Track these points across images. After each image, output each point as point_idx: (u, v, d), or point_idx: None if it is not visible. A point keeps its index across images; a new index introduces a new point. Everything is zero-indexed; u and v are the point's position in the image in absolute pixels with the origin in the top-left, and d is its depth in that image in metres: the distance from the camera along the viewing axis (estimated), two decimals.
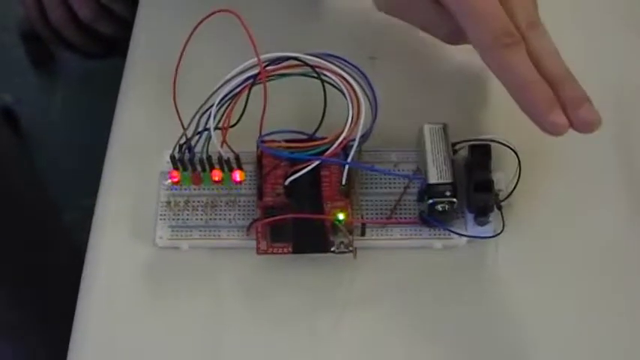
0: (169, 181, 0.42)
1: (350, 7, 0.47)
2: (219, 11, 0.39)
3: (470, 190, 0.40)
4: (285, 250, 0.40)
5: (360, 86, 0.40)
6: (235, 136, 0.40)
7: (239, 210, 0.41)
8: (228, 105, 0.40)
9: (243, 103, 0.40)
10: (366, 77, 0.40)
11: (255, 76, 0.40)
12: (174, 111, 0.40)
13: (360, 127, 0.40)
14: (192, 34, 0.39)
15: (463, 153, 0.41)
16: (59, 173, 0.93)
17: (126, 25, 0.65)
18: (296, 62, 0.40)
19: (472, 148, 0.41)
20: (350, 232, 0.40)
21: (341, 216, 0.40)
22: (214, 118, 0.40)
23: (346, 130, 0.40)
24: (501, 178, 0.41)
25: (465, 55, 0.43)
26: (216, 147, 0.40)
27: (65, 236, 0.74)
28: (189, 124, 0.40)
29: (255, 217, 0.41)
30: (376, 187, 0.42)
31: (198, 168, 0.41)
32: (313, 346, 0.39)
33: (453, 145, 0.41)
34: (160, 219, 0.42)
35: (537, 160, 0.43)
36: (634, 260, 0.41)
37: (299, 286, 0.40)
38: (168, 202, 0.42)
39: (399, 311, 0.40)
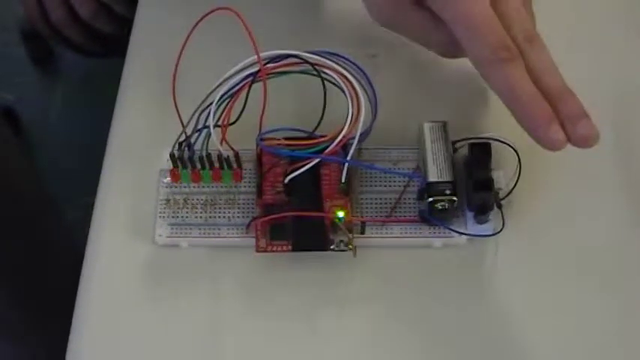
0: (169, 178, 0.42)
1: (350, 4, 0.47)
2: (218, 9, 0.39)
3: (470, 188, 0.40)
4: (285, 248, 0.40)
5: (360, 84, 0.40)
6: (235, 134, 0.40)
7: (238, 208, 0.41)
8: (228, 103, 0.40)
9: (243, 100, 0.40)
10: (365, 75, 0.40)
11: (254, 74, 0.39)
12: (173, 109, 0.40)
13: (360, 125, 0.40)
14: (191, 31, 0.39)
15: (463, 151, 0.41)
16: (60, 172, 0.93)
17: (126, 24, 0.65)
18: (296, 60, 0.40)
19: (472, 146, 0.41)
20: (349, 230, 0.40)
21: (341, 214, 0.40)
22: (214, 115, 0.40)
23: (346, 128, 0.39)
24: (501, 176, 0.41)
25: None
26: (215, 145, 0.40)
27: (66, 236, 0.74)
28: (189, 122, 0.40)
29: (254, 215, 0.41)
30: (376, 185, 0.42)
31: (198, 166, 0.41)
32: (312, 344, 0.39)
33: (453, 143, 0.41)
34: (160, 217, 0.41)
35: (537, 159, 0.43)
36: (634, 258, 0.41)
37: (298, 284, 0.40)
38: (168, 200, 0.42)
39: (398, 309, 0.40)
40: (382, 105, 0.41)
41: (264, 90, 0.39)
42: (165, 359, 0.39)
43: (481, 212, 0.40)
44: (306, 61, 0.40)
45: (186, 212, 0.41)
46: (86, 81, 1.04)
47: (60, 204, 0.81)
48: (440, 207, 0.40)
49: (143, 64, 0.48)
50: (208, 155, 0.41)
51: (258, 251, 0.40)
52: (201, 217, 0.41)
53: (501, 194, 0.41)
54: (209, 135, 0.40)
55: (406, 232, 0.41)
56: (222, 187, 0.42)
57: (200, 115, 0.40)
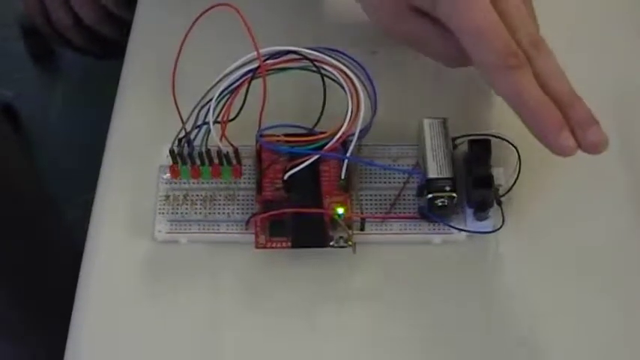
0: (168, 175, 0.42)
1: (351, 0, 0.47)
2: (218, 5, 0.39)
3: (469, 185, 0.40)
4: (284, 244, 0.40)
5: (360, 80, 0.40)
6: (234, 130, 0.40)
7: (238, 204, 0.41)
8: (228, 99, 0.40)
9: (243, 97, 0.40)
10: (365, 71, 0.40)
11: (254, 70, 0.39)
12: (173, 105, 0.40)
13: (360, 121, 0.40)
14: (191, 27, 0.39)
15: (463, 148, 0.41)
16: (59, 170, 0.93)
17: (129, 30, 0.65)
18: (295, 56, 0.40)
19: (472, 143, 0.41)
20: (349, 226, 0.40)
21: (340, 210, 0.40)
22: (213, 112, 0.40)
23: (345, 124, 0.39)
24: (501, 173, 0.41)
25: None
26: (215, 141, 0.40)
27: (66, 235, 0.74)
28: (189, 118, 0.40)
29: (254, 212, 0.41)
30: (375, 182, 0.42)
31: (197, 162, 0.41)
32: (312, 340, 0.39)
33: (453, 139, 0.41)
34: (159, 213, 0.41)
35: (537, 156, 0.43)
36: (634, 255, 0.41)
37: (298, 281, 0.40)
38: (167, 196, 0.42)
39: (398, 306, 0.40)
40: (382, 101, 0.41)
41: (264, 86, 0.39)
42: (164, 355, 0.39)
43: (481, 209, 0.40)
44: (306, 58, 0.40)
45: (186, 208, 0.41)
46: (86, 78, 1.04)
47: (59, 203, 0.81)
48: (439, 203, 0.40)
49: (143, 60, 0.48)
50: (208, 151, 0.41)
51: (257, 247, 0.40)
52: (200, 213, 0.41)
53: (501, 191, 0.41)
54: (209, 131, 0.40)
55: (406, 229, 0.41)
56: (221, 183, 0.42)
57: (200, 111, 0.40)
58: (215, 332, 0.40)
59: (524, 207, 0.42)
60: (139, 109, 0.46)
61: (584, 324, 0.40)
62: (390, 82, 0.44)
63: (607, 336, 0.39)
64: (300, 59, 0.40)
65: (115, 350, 0.40)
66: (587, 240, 0.42)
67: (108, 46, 0.73)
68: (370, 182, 0.42)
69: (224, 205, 0.41)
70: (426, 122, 0.41)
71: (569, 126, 0.37)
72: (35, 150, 1.01)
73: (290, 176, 0.40)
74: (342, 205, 0.40)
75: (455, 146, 0.41)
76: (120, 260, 0.41)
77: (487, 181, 0.40)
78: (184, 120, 0.40)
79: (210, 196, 0.41)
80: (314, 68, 0.40)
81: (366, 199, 0.41)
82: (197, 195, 0.42)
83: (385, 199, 0.41)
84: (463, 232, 0.41)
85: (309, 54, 0.40)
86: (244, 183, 0.42)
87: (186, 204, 0.41)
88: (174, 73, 0.39)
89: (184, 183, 0.42)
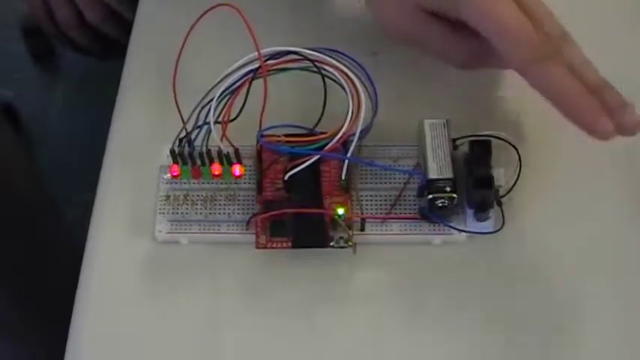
0: (169, 175, 0.42)
1: (352, 1, 0.47)
2: (219, 5, 0.39)
3: (470, 185, 0.40)
4: (285, 244, 0.40)
5: (361, 81, 0.40)
6: (235, 131, 0.40)
7: (238, 204, 0.41)
8: (228, 99, 0.40)
9: (243, 97, 0.40)
10: (366, 72, 0.40)
11: (255, 71, 0.40)
12: (174, 105, 0.40)
13: (360, 121, 0.40)
14: (192, 27, 0.39)
15: (463, 149, 0.41)
16: (59, 170, 0.93)
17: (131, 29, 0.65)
18: (296, 57, 0.40)
19: (472, 143, 0.41)
20: (349, 227, 0.40)
21: (340, 211, 0.40)
22: (214, 112, 0.40)
23: (346, 124, 0.40)
24: (501, 174, 0.41)
25: None
26: (215, 141, 0.40)
27: (66, 235, 0.74)
28: (189, 118, 0.40)
29: (254, 212, 0.41)
30: (376, 182, 0.42)
31: (198, 162, 0.41)
32: (312, 341, 0.39)
33: (454, 140, 0.41)
34: (160, 213, 0.41)
35: (537, 157, 0.43)
36: (634, 256, 0.41)
37: (298, 281, 0.40)
38: (168, 197, 0.42)
39: (398, 306, 0.40)
40: (382, 102, 0.41)
41: (265, 86, 0.39)
42: (164, 355, 0.39)
43: (481, 210, 0.40)
44: (307, 58, 0.40)
45: (186, 208, 0.41)
46: (86, 79, 1.04)
47: (60, 202, 0.81)
48: (440, 204, 0.40)
49: (144, 60, 0.48)
50: (208, 151, 0.41)
51: (257, 248, 0.40)
52: (201, 213, 0.41)
53: (501, 192, 0.41)
54: (209, 131, 0.40)
55: (406, 229, 0.41)
56: (222, 183, 0.42)
57: (200, 111, 0.40)
58: (215, 332, 0.40)
59: (525, 208, 0.42)
60: (139, 109, 0.46)
61: (584, 324, 0.40)
62: (390, 83, 0.44)
63: (607, 336, 0.39)
64: (300, 60, 0.40)
65: (115, 350, 0.40)
66: (588, 241, 0.42)
67: (110, 46, 0.73)
68: (370, 183, 0.42)
69: (224, 205, 0.41)
70: (427, 123, 0.41)
71: (606, 111, 0.38)
72: (35, 150, 1.01)
73: (290, 176, 0.40)
74: (342, 205, 0.40)
75: (455, 147, 0.41)
76: (120, 260, 0.41)
77: (487, 182, 0.40)
78: (185, 120, 0.40)
79: (211, 196, 0.42)
80: (315, 69, 0.40)
81: (367, 200, 0.41)
82: (197, 195, 0.42)
83: (385, 200, 0.41)
84: (463, 233, 0.41)
85: (310, 54, 0.40)
86: (245, 183, 0.42)
87: (187, 204, 0.41)
88: (175, 73, 0.39)
89: (185, 183, 0.42)
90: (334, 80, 0.40)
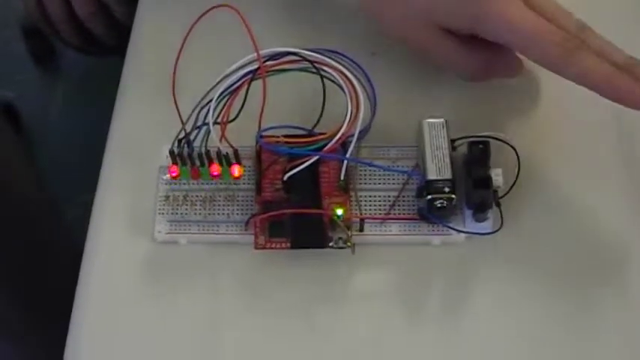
0: (168, 175, 0.42)
1: (351, 2, 0.47)
2: (218, 6, 0.39)
3: (468, 186, 0.40)
4: (284, 245, 0.40)
5: (360, 82, 0.40)
6: (234, 131, 0.40)
7: (237, 205, 0.41)
8: (227, 100, 0.40)
9: (242, 98, 0.40)
10: (365, 73, 0.40)
11: (254, 71, 0.40)
12: (173, 106, 0.40)
13: (359, 122, 0.40)
14: (191, 28, 0.39)
15: (462, 149, 0.41)
16: (60, 170, 0.93)
17: (123, 30, 0.65)
18: (295, 57, 0.40)
19: (471, 144, 0.41)
20: (348, 227, 0.40)
21: (339, 211, 0.40)
22: (213, 112, 0.40)
23: (345, 125, 0.40)
24: (500, 174, 0.41)
25: None
26: (215, 142, 0.40)
27: (66, 235, 0.74)
28: (188, 119, 0.40)
29: (253, 212, 0.41)
30: (375, 183, 0.42)
31: (197, 163, 0.41)
32: (311, 341, 0.39)
33: (452, 141, 0.41)
34: (159, 213, 0.42)
35: (536, 157, 0.43)
36: (634, 257, 0.41)
37: (297, 281, 0.40)
38: (167, 197, 0.42)
39: (396, 307, 0.40)
40: (381, 103, 0.41)
41: (264, 87, 0.39)
42: (164, 355, 0.39)
43: (480, 210, 0.40)
44: (306, 59, 0.40)
45: (186, 209, 0.41)
46: (87, 79, 1.04)
47: (60, 202, 0.81)
48: (439, 205, 0.40)
49: (143, 61, 0.48)
50: (208, 152, 0.41)
51: (256, 248, 0.40)
52: (200, 213, 0.41)
53: (500, 192, 0.41)
54: (208, 132, 0.40)
55: (405, 230, 0.41)
56: (221, 184, 0.42)
57: (200, 112, 0.40)
58: (214, 333, 0.40)
59: (523, 208, 0.42)
60: (139, 109, 0.46)
61: (583, 324, 0.40)
62: (389, 84, 0.44)
63: (607, 336, 0.39)
64: (299, 61, 0.40)
65: (115, 350, 0.40)
66: (587, 241, 0.42)
67: (99, 43, 0.73)
68: (369, 183, 0.42)
69: (224, 205, 0.41)
70: (426, 123, 0.41)
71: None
72: (36, 150, 1.01)
73: (289, 177, 0.40)
74: (341, 206, 0.40)
75: (454, 148, 0.41)
76: (120, 260, 0.41)
77: (486, 183, 0.40)
78: (184, 121, 0.40)
79: (210, 196, 0.42)
80: (314, 70, 0.40)
81: (366, 200, 0.41)
82: (197, 196, 0.42)
83: (384, 200, 0.41)
84: (462, 234, 0.41)
85: (309, 55, 0.40)
86: (244, 184, 0.42)
87: (186, 204, 0.41)
88: (174, 73, 0.39)
89: (184, 184, 0.42)
90: (333, 81, 0.40)
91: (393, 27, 0.44)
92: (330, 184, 0.41)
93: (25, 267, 0.65)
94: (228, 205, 0.41)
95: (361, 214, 0.41)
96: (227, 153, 0.41)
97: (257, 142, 0.41)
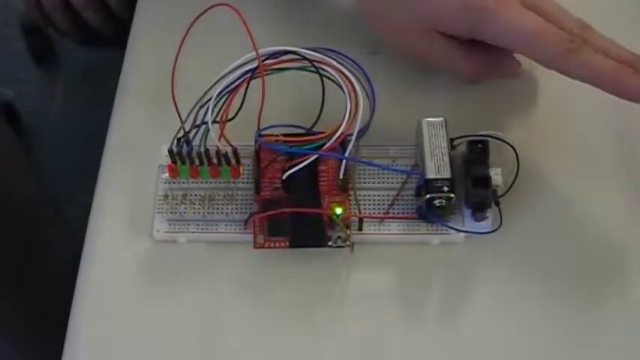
0: (167, 174, 0.42)
1: (349, 1, 0.47)
2: (216, 5, 0.39)
3: (468, 185, 0.40)
4: (283, 244, 0.40)
5: (359, 81, 0.40)
6: (233, 130, 0.40)
7: (236, 204, 0.41)
8: (227, 99, 0.40)
9: (242, 97, 0.40)
10: (364, 72, 0.40)
11: (253, 70, 0.40)
12: (172, 104, 0.40)
13: (358, 121, 0.40)
14: (190, 28, 0.39)
15: (461, 149, 0.41)
16: (60, 170, 0.93)
17: (117, 21, 0.65)
18: (294, 56, 0.40)
19: (470, 143, 0.41)
20: (347, 226, 0.40)
21: (338, 210, 0.40)
22: (212, 111, 0.40)
23: (344, 124, 0.40)
24: (499, 173, 0.41)
25: None
26: (214, 141, 0.40)
27: (66, 235, 0.74)
28: (187, 118, 0.40)
29: (252, 211, 0.41)
30: (374, 182, 0.42)
31: (196, 161, 0.41)
32: (309, 340, 0.39)
33: (452, 140, 0.41)
34: (158, 212, 0.42)
35: (535, 157, 0.43)
36: (633, 257, 0.41)
37: (296, 280, 0.40)
38: (166, 196, 0.42)
39: (395, 306, 0.40)
40: (380, 102, 0.41)
41: (263, 86, 0.39)
42: (162, 353, 0.39)
43: (479, 209, 0.40)
44: (305, 58, 0.40)
45: (185, 208, 0.41)
46: (86, 77, 1.04)
47: (60, 202, 0.81)
48: (437, 204, 0.40)
49: (142, 59, 0.48)
50: (207, 151, 0.41)
51: (255, 247, 0.40)
52: (199, 212, 0.41)
53: (499, 192, 0.41)
54: (207, 131, 0.40)
55: (404, 229, 0.41)
56: (220, 182, 0.42)
57: (199, 110, 0.40)
58: (213, 331, 0.40)
59: (522, 208, 0.42)
60: (138, 108, 0.46)
61: (582, 324, 0.40)
62: (388, 83, 0.44)
63: (607, 335, 0.39)
64: (299, 59, 0.40)
65: (114, 349, 0.40)
66: (586, 241, 0.42)
67: (95, 33, 0.73)
68: (369, 182, 0.42)
69: (223, 204, 0.41)
70: (425, 123, 0.41)
71: None
72: (36, 150, 1.01)
73: (288, 176, 0.40)
74: (340, 204, 0.40)
75: (453, 147, 0.41)
76: (118, 259, 0.41)
77: (485, 182, 0.40)
78: (183, 119, 0.40)
79: (209, 195, 0.42)
80: (313, 68, 0.40)
81: (365, 199, 0.41)
82: (196, 194, 0.42)
83: (383, 199, 0.41)
84: (461, 233, 0.41)
85: (308, 54, 0.40)
86: (243, 183, 0.42)
87: (185, 203, 0.41)
88: (173, 72, 0.39)
89: (183, 182, 0.42)
90: (332, 80, 0.40)
91: (393, 33, 0.45)
92: (329, 183, 0.41)
93: (24, 267, 0.65)
94: (227, 204, 0.41)
95: (360, 213, 0.41)
96: (226, 152, 0.41)
97: (256, 141, 0.41)
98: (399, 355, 0.39)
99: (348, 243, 0.40)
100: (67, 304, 0.41)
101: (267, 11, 0.48)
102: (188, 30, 0.39)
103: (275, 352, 0.39)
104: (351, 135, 0.40)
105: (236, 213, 0.41)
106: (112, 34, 0.69)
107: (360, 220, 0.41)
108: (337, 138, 0.40)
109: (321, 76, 0.40)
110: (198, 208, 0.41)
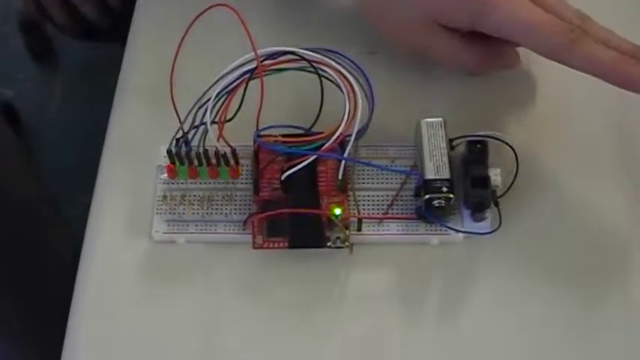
0: (166, 175, 0.42)
1: (348, 1, 0.47)
2: (216, 5, 0.39)
3: (467, 186, 0.40)
4: (282, 244, 0.40)
5: (358, 81, 0.40)
6: (232, 131, 0.40)
7: (235, 204, 0.41)
8: (225, 99, 0.40)
9: (240, 97, 0.40)
10: (363, 72, 0.40)
11: (252, 71, 0.40)
12: (171, 105, 0.40)
13: (357, 122, 0.40)
14: (188, 28, 0.39)
15: (460, 149, 0.41)
16: (60, 169, 0.93)
17: (115, 16, 0.65)
18: (293, 57, 0.40)
19: (469, 144, 0.41)
20: (346, 227, 0.40)
21: (337, 211, 0.40)
22: (211, 112, 0.40)
23: (343, 125, 0.39)
24: (498, 174, 0.41)
25: None
26: (212, 141, 0.40)
27: (66, 235, 0.74)
28: (186, 118, 0.40)
29: (251, 212, 0.41)
30: (373, 183, 0.42)
31: (195, 162, 0.41)
32: (309, 340, 0.39)
33: (451, 140, 0.41)
34: (157, 213, 0.41)
35: (535, 157, 0.43)
36: (633, 256, 0.41)
37: (295, 281, 0.40)
38: (165, 197, 0.42)
39: (394, 306, 0.40)
40: (379, 102, 0.41)
41: (262, 87, 0.39)
42: (161, 354, 0.39)
43: (478, 210, 0.40)
44: (304, 58, 0.40)
45: (183, 208, 0.41)
46: (85, 75, 1.04)
47: (60, 202, 0.81)
48: (437, 204, 0.40)
49: (141, 60, 0.48)
50: (205, 151, 0.41)
51: (254, 248, 0.40)
52: (198, 213, 0.41)
53: (498, 192, 0.41)
54: (206, 131, 0.40)
55: (403, 230, 0.41)
56: (219, 183, 0.42)
57: (197, 111, 0.40)
58: (213, 332, 0.40)
59: (522, 208, 0.42)
60: (137, 107, 0.46)
61: (582, 324, 0.40)
62: (387, 83, 0.44)
63: (606, 338, 0.39)
64: (297, 60, 0.40)
65: (113, 350, 0.40)
66: (586, 241, 0.42)
67: (88, 28, 0.73)
68: (368, 183, 0.42)
69: (221, 205, 0.41)
70: (424, 123, 0.41)
71: None
72: (35, 149, 1.01)
73: (287, 176, 0.40)
74: (339, 205, 0.40)
75: (452, 147, 0.41)
76: (117, 260, 0.41)
77: (484, 182, 0.40)
78: (182, 120, 0.40)
79: (208, 196, 0.41)
80: (312, 69, 0.40)
81: (364, 200, 0.41)
82: (194, 195, 0.42)
83: (382, 200, 0.41)
84: (460, 233, 0.41)
85: (307, 55, 0.40)
86: (242, 183, 0.42)
87: (184, 204, 0.41)
88: (172, 73, 0.39)
89: (182, 183, 0.42)
90: (331, 80, 0.40)
91: (393, 30, 0.45)
92: (328, 184, 0.41)
93: (24, 267, 0.65)
94: (226, 205, 0.41)
95: (359, 213, 0.41)
96: (225, 152, 0.41)
97: (255, 142, 0.41)
98: (399, 355, 0.39)
99: (347, 243, 0.40)
100: (67, 304, 0.41)
101: (267, 11, 0.48)
102: (187, 30, 0.39)
103: (274, 352, 0.39)
104: (350, 135, 0.40)
105: (235, 213, 0.41)
106: (109, 27, 0.69)
107: (359, 221, 0.41)
108: (336, 138, 0.39)
109: (320, 76, 0.40)
110: (197, 209, 0.41)
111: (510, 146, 0.41)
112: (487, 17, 0.41)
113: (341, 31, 0.47)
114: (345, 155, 0.40)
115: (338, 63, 0.40)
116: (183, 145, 0.41)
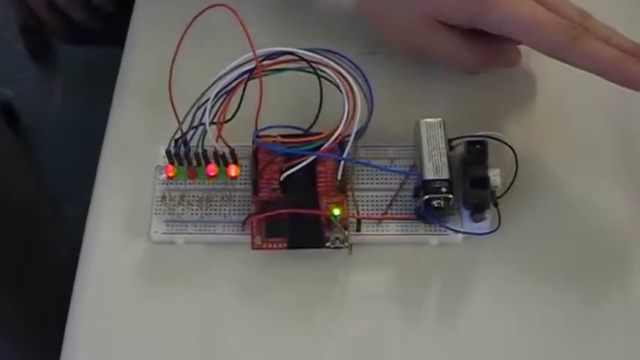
0: (164, 175, 0.42)
1: (347, 1, 0.47)
2: (215, 6, 0.39)
3: (466, 186, 0.40)
4: (281, 245, 0.40)
5: (357, 81, 0.40)
6: (231, 131, 0.40)
7: (234, 205, 0.41)
8: (224, 100, 0.40)
9: (239, 97, 0.40)
10: (362, 72, 0.40)
11: (251, 71, 0.40)
12: (169, 105, 0.40)
13: (356, 122, 0.40)
14: (187, 28, 0.39)
15: (460, 149, 0.41)
16: (59, 169, 0.93)
17: (101, 13, 0.65)
18: (292, 57, 0.40)
19: (468, 144, 0.41)
20: (345, 227, 0.40)
21: (336, 211, 0.40)
22: (210, 112, 0.40)
23: (342, 125, 0.39)
24: (498, 174, 0.41)
25: None
26: (211, 142, 0.40)
27: (66, 235, 0.74)
28: (185, 119, 0.40)
29: (250, 212, 0.41)
30: (372, 183, 0.42)
31: (194, 163, 0.41)
32: (308, 341, 0.39)
33: (450, 141, 0.41)
34: (155, 213, 0.41)
35: (534, 157, 0.43)
36: (633, 255, 0.41)
37: (294, 282, 0.40)
38: (164, 197, 0.42)
39: (394, 307, 0.40)
40: (379, 102, 0.41)
41: (261, 87, 0.39)
42: (160, 354, 0.39)
43: (477, 210, 0.40)
44: (303, 59, 0.40)
45: (182, 209, 0.41)
46: (85, 76, 1.04)
47: (59, 201, 0.81)
48: (436, 205, 0.40)
49: (141, 58, 0.48)
50: (204, 152, 0.41)
51: (253, 248, 0.40)
52: (196, 213, 0.41)
53: (498, 192, 0.41)
54: (205, 132, 0.40)
55: (402, 230, 0.41)
56: (218, 184, 0.42)
57: (196, 112, 0.40)
58: (212, 332, 0.40)
59: (521, 208, 0.42)
60: (135, 109, 0.46)
61: (582, 324, 0.40)
62: (386, 83, 0.44)
63: (606, 338, 0.39)
64: (296, 60, 0.40)
65: (112, 350, 0.40)
66: (585, 242, 0.42)
67: (84, 30, 0.73)
68: (367, 183, 0.42)
69: (220, 205, 0.41)
70: (423, 123, 0.41)
71: None
72: (35, 150, 1.01)
73: (286, 177, 0.40)
74: (338, 205, 0.40)
75: (451, 147, 0.41)
76: (116, 260, 0.41)
77: (484, 183, 0.40)
78: (181, 120, 0.40)
79: (207, 196, 0.41)
80: (311, 69, 0.40)
81: (363, 200, 0.41)
82: (193, 195, 0.41)
83: (382, 200, 0.41)
84: (460, 234, 0.41)
85: (306, 55, 0.40)
86: (240, 184, 0.42)
87: (183, 205, 0.41)
88: (170, 73, 0.39)
89: (180, 183, 0.42)
90: (330, 81, 0.40)
91: (393, 29, 0.45)
92: (327, 184, 0.41)
93: (24, 267, 0.65)
94: (225, 205, 0.41)
95: (358, 213, 0.41)
96: (224, 153, 0.41)
97: (254, 142, 0.41)
98: (398, 355, 0.39)
99: (346, 244, 0.40)
100: (66, 304, 0.41)
101: (266, 11, 0.48)
102: (186, 30, 0.39)
103: (274, 352, 0.39)
104: (349, 136, 0.40)
105: (234, 214, 0.41)
106: (101, 30, 0.69)
107: (359, 221, 0.41)
108: (335, 139, 0.39)
109: (319, 76, 0.40)
110: (196, 209, 0.41)
111: (510, 146, 0.41)
112: (488, 15, 0.41)
113: (340, 31, 0.47)
114: (344, 155, 0.40)
115: (337, 63, 0.40)
116: (182, 145, 0.41)
